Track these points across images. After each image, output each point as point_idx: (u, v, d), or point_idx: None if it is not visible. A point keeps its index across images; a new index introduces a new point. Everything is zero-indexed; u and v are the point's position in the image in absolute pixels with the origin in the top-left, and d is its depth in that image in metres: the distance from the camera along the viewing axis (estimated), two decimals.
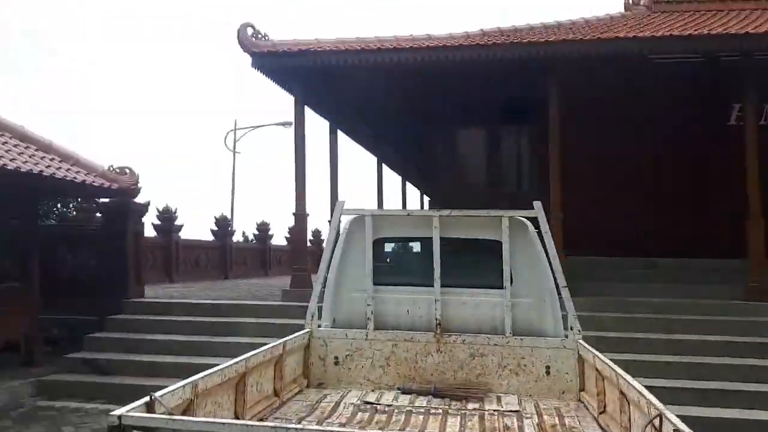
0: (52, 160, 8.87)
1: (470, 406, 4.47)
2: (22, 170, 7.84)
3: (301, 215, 10.36)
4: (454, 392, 4.68)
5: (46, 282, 9.49)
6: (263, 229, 21.46)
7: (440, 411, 4.30)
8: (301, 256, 10.54)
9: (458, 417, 4.18)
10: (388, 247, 5.75)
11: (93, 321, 9.82)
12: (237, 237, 21.58)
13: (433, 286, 5.03)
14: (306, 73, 10.16)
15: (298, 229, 10.52)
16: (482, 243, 5.15)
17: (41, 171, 8.20)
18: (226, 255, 18.27)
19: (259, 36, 9.81)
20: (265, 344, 8.61)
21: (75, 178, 8.79)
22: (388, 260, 5.71)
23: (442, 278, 4.99)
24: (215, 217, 18.58)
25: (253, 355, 4.00)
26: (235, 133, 28.65)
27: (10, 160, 7.89)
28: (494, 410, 4.36)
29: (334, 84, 10.85)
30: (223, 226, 18.56)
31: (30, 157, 8.50)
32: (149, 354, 8.97)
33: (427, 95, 11.32)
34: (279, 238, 22.89)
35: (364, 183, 38.24)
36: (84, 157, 9.40)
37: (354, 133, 14.15)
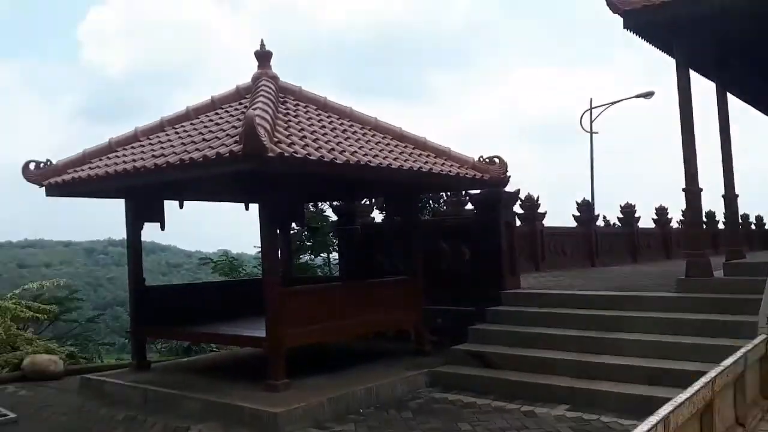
0: (428, 156, 9.07)
1: None
2: (404, 168, 8.08)
3: (694, 192, 8.86)
4: None
5: (426, 274, 9.75)
6: (628, 211, 19.78)
7: None
8: (697, 239, 9.00)
9: None
10: None
11: (471, 312, 9.83)
12: (598, 222, 20.27)
13: None
14: (689, 25, 8.62)
15: (691, 209, 9.02)
16: None
17: (420, 167, 8.37)
18: (591, 241, 17.24)
19: None
20: (661, 342, 7.46)
21: (450, 171, 8.85)
22: None
23: None
24: (577, 202, 17.68)
25: (717, 374, 3.04)
26: (591, 113, 27.18)
27: (394, 160, 8.19)
28: None
29: (727, 33, 9.03)
30: (586, 211, 17.55)
31: (409, 155, 8.78)
32: (534, 348, 8.54)
33: None
34: (645, 220, 20.91)
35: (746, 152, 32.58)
36: (455, 151, 9.44)
37: (747, 93, 11.82)
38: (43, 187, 8.70)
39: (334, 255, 17.53)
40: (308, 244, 17.67)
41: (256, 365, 8.72)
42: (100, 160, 8.71)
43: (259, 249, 9.88)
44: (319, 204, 16.75)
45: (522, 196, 14.90)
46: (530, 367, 8.17)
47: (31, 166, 8.64)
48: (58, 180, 8.54)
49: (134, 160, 7.97)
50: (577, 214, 17.54)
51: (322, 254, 18.02)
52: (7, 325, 11.01)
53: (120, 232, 9.90)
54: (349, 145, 8.06)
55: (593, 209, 18.29)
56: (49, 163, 8.73)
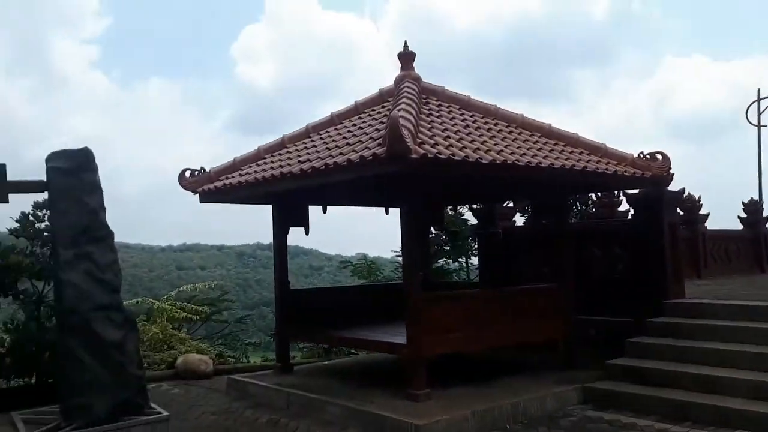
0: (580, 153, 8.44)
1: None
2: (555, 167, 7.55)
3: None
4: None
5: (576, 281, 9.10)
6: None
7: None
8: None
9: None
10: None
11: (628, 323, 9.08)
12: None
13: None
14: None
15: None
16: None
17: (573, 165, 7.79)
18: (759, 245, 15.52)
19: None
20: None
21: (606, 169, 8.15)
22: None
23: None
24: (743, 202, 16.01)
25: None
26: (758, 104, 24.62)
27: (543, 158, 7.68)
28: None
29: None
30: (754, 212, 15.85)
31: (560, 153, 8.22)
32: (702, 365, 7.66)
33: None
34: None
35: None
36: (611, 147, 8.72)
37: None
38: (197, 194, 9.07)
39: (472, 260, 17.08)
40: (446, 248, 17.34)
41: (394, 371, 8.55)
42: (249, 167, 8.95)
43: (396, 253, 9.77)
44: (458, 207, 16.37)
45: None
46: (698, 386, 7.33)
47: (187, 174, 9.05)
48: (211, 187, 8.87)
49: (281, 166, 8.08)
50: (743, 215, 15.92)
51: (459, 259, 17.61)
52: (164, 325, 11.71)
53: (267, 237, 10.15)
54: (495, 144, 7.65)
55: (762, 210, 16.50)
56: (202, 170, 9.11)
